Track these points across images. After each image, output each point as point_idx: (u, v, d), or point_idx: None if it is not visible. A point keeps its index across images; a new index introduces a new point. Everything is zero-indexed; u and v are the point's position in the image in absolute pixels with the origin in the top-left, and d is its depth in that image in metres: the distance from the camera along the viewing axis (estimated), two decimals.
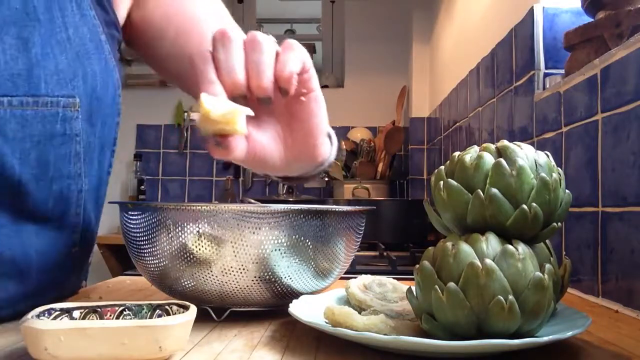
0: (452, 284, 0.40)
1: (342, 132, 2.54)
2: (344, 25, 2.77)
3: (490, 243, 0.42)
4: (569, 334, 0.41)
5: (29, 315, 0.39)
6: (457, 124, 1.71)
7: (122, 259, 2.41)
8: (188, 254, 0.51)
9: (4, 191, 0.52)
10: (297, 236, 0.52)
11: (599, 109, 0.72)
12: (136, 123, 2.72)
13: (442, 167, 0.48)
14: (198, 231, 0.50)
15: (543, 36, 1.00)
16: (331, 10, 2.95)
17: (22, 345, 0.44)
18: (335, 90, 2.73)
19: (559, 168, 0.47)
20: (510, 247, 0.41)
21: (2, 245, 0.52)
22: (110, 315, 0.44)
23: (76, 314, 0.43)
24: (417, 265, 0.44)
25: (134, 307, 0.45)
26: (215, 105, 0.41)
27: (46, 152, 0.54)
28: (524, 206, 0.43)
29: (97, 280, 0.82)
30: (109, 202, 0.64)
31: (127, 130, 2.70)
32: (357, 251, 0.66)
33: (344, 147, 2.39)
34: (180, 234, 0.51)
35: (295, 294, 0.54)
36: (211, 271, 0.51)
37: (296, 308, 0.49)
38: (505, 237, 0.43)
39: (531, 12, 1.02)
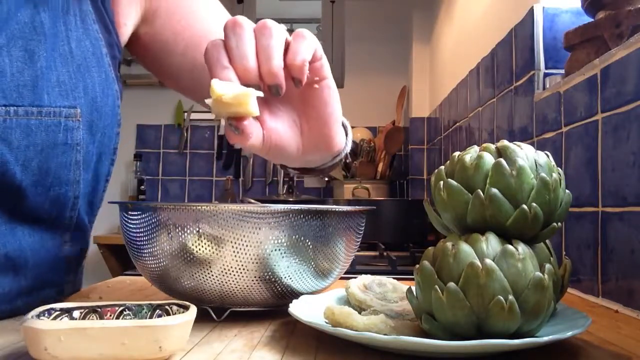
0: (452, 284, 0.40)
1: None
2: (344, 25, 2.77)
3: (490, 243, 0.42)
4: (569, 334, 0.41)
5: (29, 315, 0.39)
6: (457, 124, 1.71)
7: (122, 259, 2.41)
8: (188, 254, 0.51)
9: (2, 194, 0.53)
10: (297, 236, 0.52)
11: (599, 109, 0.72)
12: (136, 123, 2.72)
13: (442, 167, 0.48)
14: (198, 231, 0.50)
15: (543, 36, 1.00)
16: (331, 10, 2.95)
17: (22, 345, 0.44)
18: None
19: (559, 168, 0.47)
20: (510, 247, 0.41)
21: None
22: (110, 315, 0.44)
23: (76, 314, 0.43)
24: (417, 265, 0.44)
25: (134, 307, 0.45)
26: (226, 88, 0.42)
27: (48, 160, 0.55)
28: (524, 206, 0.43)
29: (97, 280, 0.83)
30: (109, 202, 0.64)
31: (127, 130, 2.69)
32: (357, 251, 0.66)
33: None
34: (180, 234, 0.51)
35: (295, 294, 0.54)
36: (211, 271, 0.51)
37: (296, 308, 0.49)
38: (505, 237, 0.43)
39: (531, 12, 1.02)
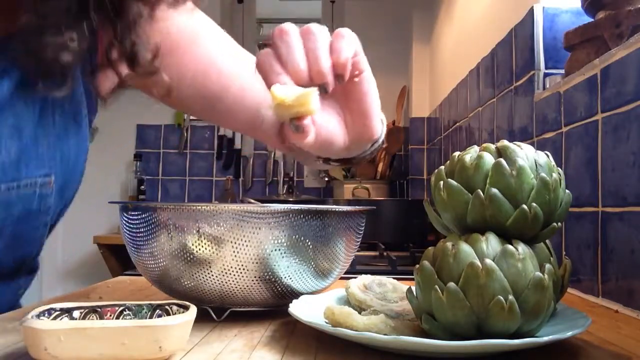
0: (452, 284, 0.40)
1: None
2: (344, 25, 2.77)
3: (490, 243, 0.42)
4: (569, 334, 0.41)
5: (29, 315, 0.39)
6: (457, 124, 1.71)
7: (122, 259, 2.41)
8: (188, 254, 0.51)
9: None
10: (297, 236, 0.52)
11: (599, 109, 0.72)
12: (136, 123, 2.72)
13: (442, 167, 0.48)
14: (198, 231, 0.50)
15: (543, 36, 1.00)
16: (331, 10, 2.95)
17: (22, 345, 0.44)
18: None
19: (559, 168, 0.47)
20: (510, 247, 0.41)
21: None
22: (110, 315, 0.44)
23: (76, 314, 0.43)
24: (417, 265, 0.44)
25: (134, 307, 0.45)
26: (286, 92, 0.44)
27: (21, 226, 0.57)
28: (524, 206, 0.43)
29: (97, 280, 0.82)
30: (109, 202, 0.64)
31: (127, 130, 2.70)
32: (357, 251, 0.66)
33: None
34: (180, 234, 0.51)
35: (295, 294, 0.54)
36: (211, 271, 0.51)
37: (296, 308, 0.49)
38: (505, 237, 0.43)
39: (531, 12, 1.02)
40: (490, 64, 1.32)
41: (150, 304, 0.45)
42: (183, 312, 0.42)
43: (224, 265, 0.51)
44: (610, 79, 0.70)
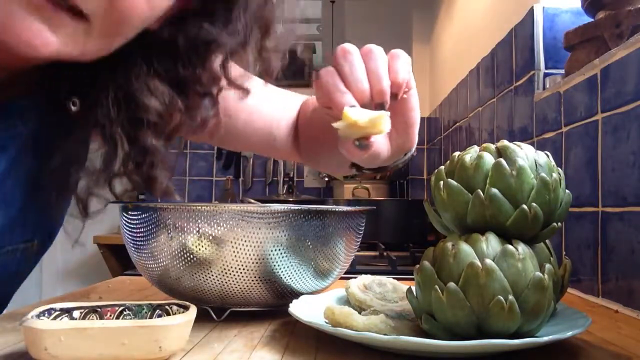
0: (452, 284, 0.40)
1: None
2: (344, 25, 2.77)
3: (490, 243, 0.42)
4: (569, 334, 0.41)
5: (29, 315, 0.39)
6: (457, 124, 1.71)
7: (122, 259, 2.41)
8: (188, 254, 0.51)
9: None
10: (297, 236, 0.52)
11: (599, 109, 0.72)
12: None
13: (442, 167, 0.48)
14: (198, 231, 0.50)
15: (543, 36, 1.00)
16: (331, 10, 2.95)
17: (22, 345, 0.44)
18: None
19: (559, 168, 0.47)
20: (510, 247, 0.41)
21: None
22: (110, 315, 0.44)
23: (76, 314, 0.43)
24: (417, 265, 0.44)
25: (134, 307, 0.45)
26: (359, 114, 0.47)
27: (4, 287, 0.59)
28: (524, 206, 0.43)
29: (97, 280, 0.83)
30: (109, 202, 0.64)
31: None
32: (357, 251, 0.66)
33: None
34: (180, 234, 0.51)
35: (295, 294, 0.54)
36: (211, 271, 0.51)
37: (296, 308, 0.49)
38: (505, 237, 0.43)
39: (531, 12, 1.02)
40: (490, 64, 1.32)
41: (150, 304, 0.45)
42: (183, 312, 0.42)
43: (224, 265, 0.51)
44: (610, 79, 0.70)
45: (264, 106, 0.76)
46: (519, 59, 1.10)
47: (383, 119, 0.47)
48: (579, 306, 0.64)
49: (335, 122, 0.48)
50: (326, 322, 0.45)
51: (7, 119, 0.56)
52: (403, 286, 0.57)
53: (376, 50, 0.51)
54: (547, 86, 0.96)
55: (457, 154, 0.47)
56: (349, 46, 0.51)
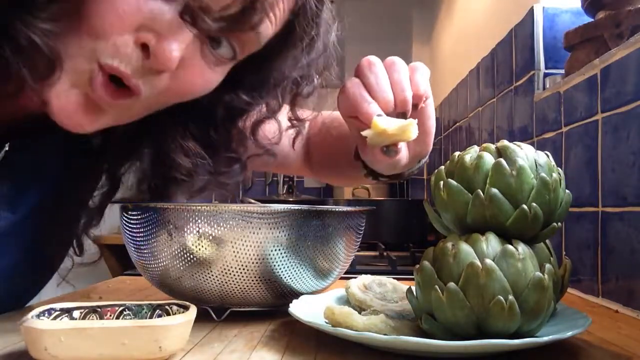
0: (452, 284, 0.40)
1: None
2: (344, 25, 2.77)
3: (490, 243, 0.42)
4: (569, 334, 0.41)
5: (29, 315, 0.39)
6: (457, 124, 1.71)
7: (122, 259, 2.41)
8: (188, 254, 0.51)
9: None
10: (297, 236, 0.52)
11: (599, 109, 0.72)
12: None
13: (442, 167, 0.48)
14: (198, 231, 0.50)
15: (543, 36, 1.00)
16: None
17: (22, 345, 0.44)
18: (336, 90, 2.72)
19: (559, 168, 0.47)
20: (510, 247, 0.41)
21: None
22: (110, 315, 0.44)
23: (76, 314, 0.43)
24: (417, 265, 0.44)
25: (134, 307, 0.45)
26: (387, 122, 0.49)
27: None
28: (524, 206, 0.43)
29: (97, 280, 0.83)
30: (109, 202, 0.64)
31: None
32: (357, 251, 0.66)
33: None
34: (180, 233, 0.51)
35: (295, 294, 0.54)
36: (211, 271, 0.51)
37: (296, 308, 0.49)
38: (505, 237, 0.43)
39: (531, 12, 1.02)
40: (490, 63, 1.32)
41: (150, 304, 0.45)
42: (183, 312, 0.42)
43: (224, 265, 0.51)
44: (610, 79, 0.70)
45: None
46: (519, 59, 1.10)
47: (412, 126, 0.49)
48: (579, 306, 0.64)
49: (361, 131, 0.50)
50: (326, 322, 0.45)
51: (40, 157, 0.57)
52: (403, 286, 0.57)
53: (398, 62, 0.54)
54: (547, 86, 0.96)
55: (457, 154, 0.47)
56: (373, 58, 0.53)
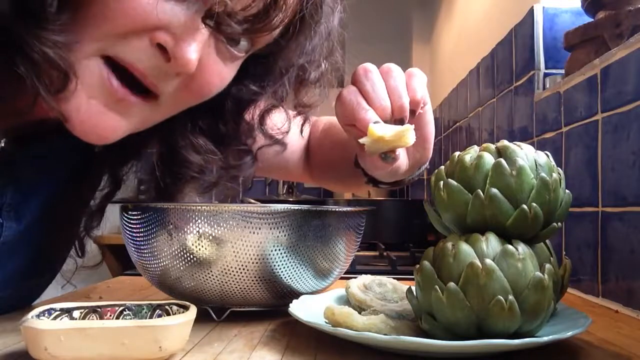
0: (452, 284, 0.40)
1: None
2: (344, 24, 2.77)
3: (490, 243, 0.42)
4: (569, 334, 0.41)
5: (29, 315, 0.39)
6: (457, 124, 1.71)
7: (122, 259, 2.41)
8: (188, 254, 0.51)
9: None
10: (297, 236, 0.52)
11: (599, 109, 0.72)
12: None
13: (442, 167, 0.48)
14: (198, 231, 0.50)
15: (543, 36, 1.00)
16: None
17: (22, 345, 0.44)
18: (336, 90, 2.72)
19: (559, 168, 0.47)
20: (510, 247, 0.41)
21: None
22: (110, 315, 0.44)
23: (76, 314, 0.43)
24: (417, 265, 0.44)
25: (134, 307, 0.45)
26: (384, 129, 0.49)
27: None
28: (524, 206, 0.43)
29: (97, 280, 0.83)
30: (109, 202, 0.64)
31: None
32: (357, 251, 0.66)
33: None
34: (180, 233, 0.51)
35: (295, 294, 0.54)
36: (211, 271, 0.51)
37: (296, 308, 0.49)
38: (505, 237, 0.43)
39: (531, 12, 1.02)
40: (490, 63, 1.32)
41: (150, 304, 0.45)
42: (183, 312, 0.42)
43: (224, 265, 0.51)
44: (610, 79, 0.70)
45: None
46: (519, 58, 1.10)
47: (408, 132, 0.49)
48: (579, 306, 0.64)
49: (360, 138, 0.50)
50: (326, 322, 0.45)
51: (43, 160, 0.57)
52: (403, 286, 0.57)
53: (395, 68, 0.54)
54: (547, 86, 0.96)
55: (457, 154, 0.47)
56: (369, 65, 0.53)
